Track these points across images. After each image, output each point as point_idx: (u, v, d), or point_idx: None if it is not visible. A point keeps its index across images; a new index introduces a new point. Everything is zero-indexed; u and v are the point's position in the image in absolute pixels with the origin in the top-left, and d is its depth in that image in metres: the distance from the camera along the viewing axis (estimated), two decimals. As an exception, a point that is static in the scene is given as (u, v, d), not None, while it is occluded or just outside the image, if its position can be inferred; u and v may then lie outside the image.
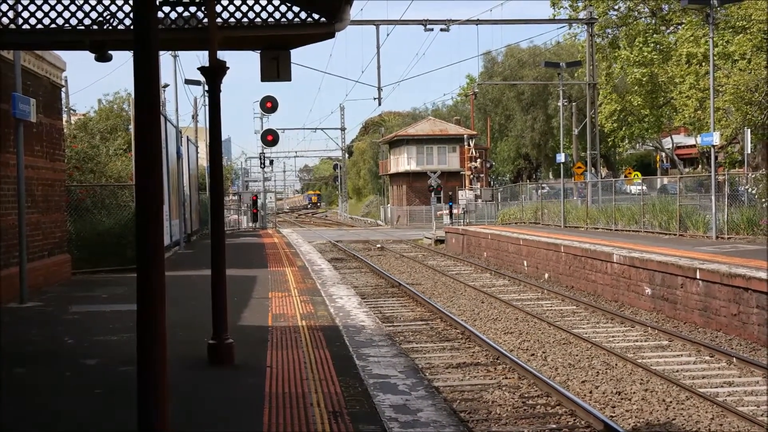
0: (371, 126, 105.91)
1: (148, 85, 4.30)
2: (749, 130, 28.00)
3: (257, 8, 10.16)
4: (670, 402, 10.65)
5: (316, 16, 10.26)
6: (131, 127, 31.85)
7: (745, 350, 13.63)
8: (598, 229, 30.69)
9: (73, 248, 18.42)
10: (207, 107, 9.50)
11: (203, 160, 45.49)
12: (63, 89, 20.81)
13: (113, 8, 10.10)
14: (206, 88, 9.49)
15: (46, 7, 10.09)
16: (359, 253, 36.48)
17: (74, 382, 8.29)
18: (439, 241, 41.48)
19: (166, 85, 37.77)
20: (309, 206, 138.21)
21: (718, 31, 31.63)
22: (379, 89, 40.64)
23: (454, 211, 51.04)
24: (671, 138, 57.18)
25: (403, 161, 71.71)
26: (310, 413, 6.80)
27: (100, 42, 10.25)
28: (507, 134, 72.00)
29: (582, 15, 40.90)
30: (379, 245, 41.15)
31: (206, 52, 9.07)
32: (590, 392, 11.31)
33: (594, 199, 34.43)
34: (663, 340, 14.76)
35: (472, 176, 55.09)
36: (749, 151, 29.10)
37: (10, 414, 7.04)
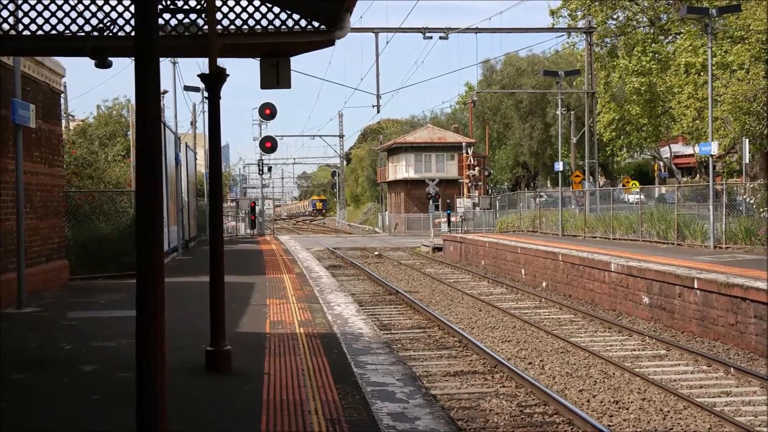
0: (370, 133, 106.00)
1: (148, 92, 4.31)
2: (747, 139, 28.09)
3: (257, 16, 10.17)
4: (668, 411, 10.65)
5: (316, 24, 10.28)
6: (130, 133, 31.87)
7: (743, 360, 13.63)
8: (596, 237, 30.70)
9: (71, 254, 18.41)
10: (205, 114, 9.53)
11: (201, 167, 45.49)
12: (62, 95, 20.83)
13: (114, 15, 10.12)
14: (205, 94, 9.52)
15: (46, 14, 10.11)
16: (357, 260, 36.47)
17: (71, 388, 8.28)
18: (437, 248, 41.48)
19: (165, 92, 37.82)
20: (314, 213, 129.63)
21: (717, 41, 31.71)
22: (378, 96, 40.71)
23: (452, 218, 51.07)
24: (669, 147, 57.26)
25: (401, 169, 71.75)
26: (307, 421, 6.80)
27: (100, 48, 10.27)
28: (505, 142, 72.08)
29: (581, 24, 41.00)
30: (376, 252, 41.14)
31: (206, 59, 9.09)
32: (588, 401, 11.30)
33: (592, 208, 34.46)
34: (660, 350, 14.76)
35: (470, 184, 55.13)
36: (747, 161, 29.18)
37: (7, 419, 7.03)
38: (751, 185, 26.38)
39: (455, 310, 20.56)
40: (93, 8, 10.15)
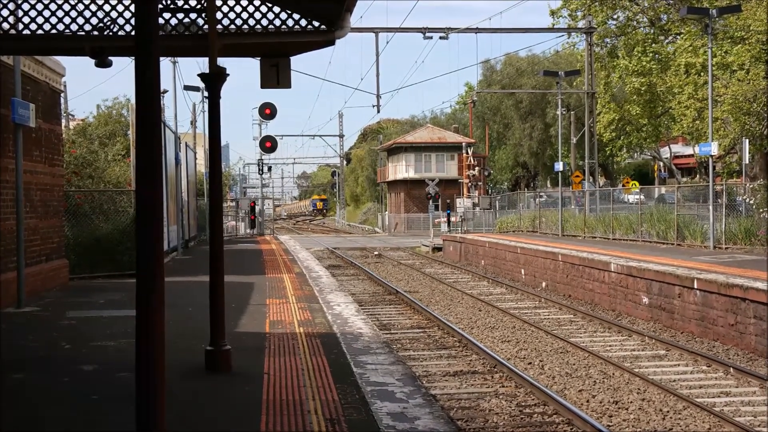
0: (370, 133, 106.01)
1: (148, 91, 4.31)
2: (747, 140, 28.09)
3: (257, 15, 10.17)
4: (667, 412, 10.65)
5: (316, 24, 10.27)
6: (130, 132, 31.90)
7: (743, 360, 13.63)
8: (595, 238, 30.70)
9: (71, 253, 18.41)
10: (205, 113, 9.53)
11: (201, 166, 45.51)
12: (62, 94, 20.81)
13: (114, 14, 10.12)
14: (205, 94, 9.51)
15: (46, 13, 10.10)
16: (357, 260, 36.47)
17: (71, 388, 8.28)
18: (437, 248, 41.49)
19: (165, 91, 37.79)
20: (314, 213, 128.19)
21: (717, 41, 31.72)
22: (378, 96, 40.69)
23: (452, 218, 51.06)
24: (669, 147, 57.29)
25: (401, 169, 71.75)
26: (307, 420, 6.80)
27: (100, 48, 10.26)
28: (505, 142, 72.09)
29: (581, 24, 41.00)
30: (376, 252, 41.14)
31: (206, 59, 9.08)
32: (587, 401, 11.30)
33: (592, 208, 34.46)
34: (660, 350, 14.76)
35: (470, 184, 55.13)
36: (747, 161, 29.19)
37: (7, 419, 7.03)
38: (751, 186, 26.38)
39: (455, 310, 20.56)
40: (93, 8, 10.14)
